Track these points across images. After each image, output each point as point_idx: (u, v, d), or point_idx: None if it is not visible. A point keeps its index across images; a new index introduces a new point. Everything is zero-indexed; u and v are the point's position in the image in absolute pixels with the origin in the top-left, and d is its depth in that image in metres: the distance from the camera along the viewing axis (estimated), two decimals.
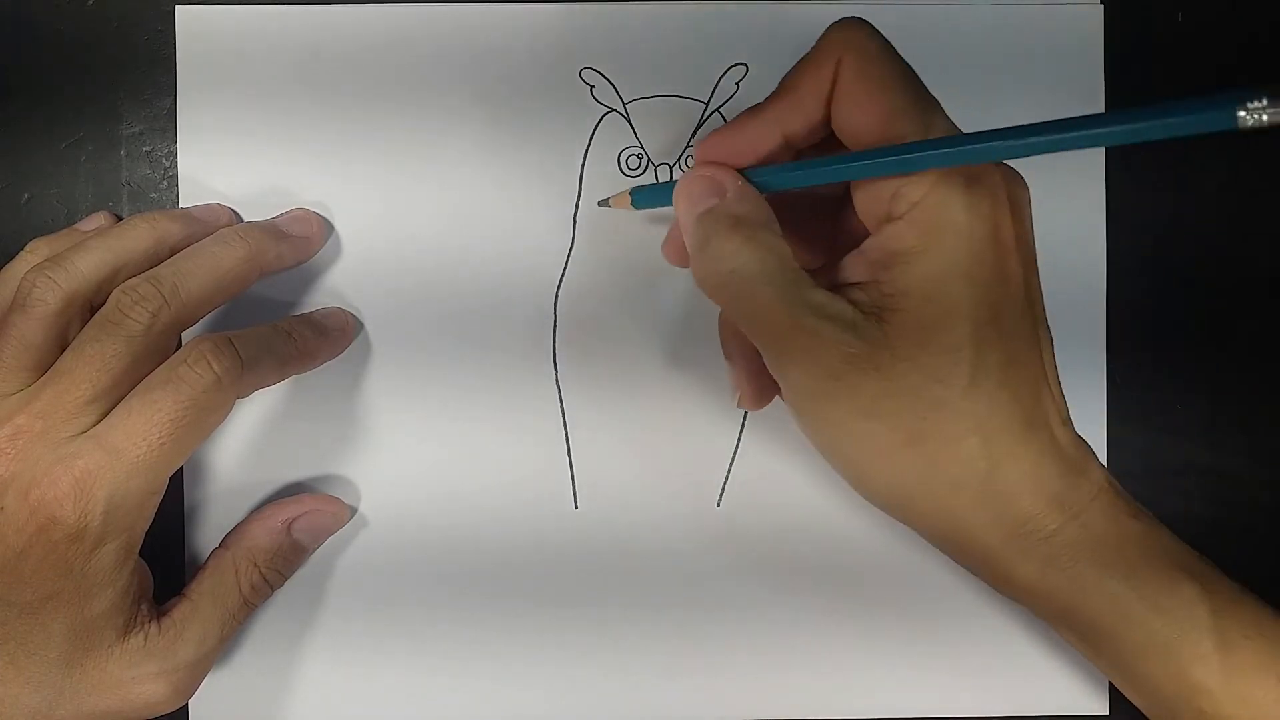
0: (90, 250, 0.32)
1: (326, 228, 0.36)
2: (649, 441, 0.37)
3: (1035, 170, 0.37)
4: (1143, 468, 0.38)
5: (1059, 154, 0.37)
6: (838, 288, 0.29)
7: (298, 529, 0.35)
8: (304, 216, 0.36)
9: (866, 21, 0.29)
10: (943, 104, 0.28)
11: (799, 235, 0.31)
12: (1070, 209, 0.37)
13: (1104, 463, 0.37)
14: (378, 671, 0.37)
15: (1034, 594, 0.30)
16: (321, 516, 0.36)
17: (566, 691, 0.37)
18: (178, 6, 0.36)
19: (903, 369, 0.27)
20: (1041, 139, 0.25)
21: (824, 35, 0.29)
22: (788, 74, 0.29)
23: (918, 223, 0.28)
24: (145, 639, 0.31)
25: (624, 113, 0.37)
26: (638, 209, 0.35)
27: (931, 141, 0.27)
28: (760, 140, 0.30)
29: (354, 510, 0.37)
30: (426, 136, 0.37)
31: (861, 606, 0.37)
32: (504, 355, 0.37)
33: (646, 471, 0.37)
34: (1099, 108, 0.37)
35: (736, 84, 0.37)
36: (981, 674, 0.37)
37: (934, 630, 0.37)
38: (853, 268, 0.29)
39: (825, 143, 0.30)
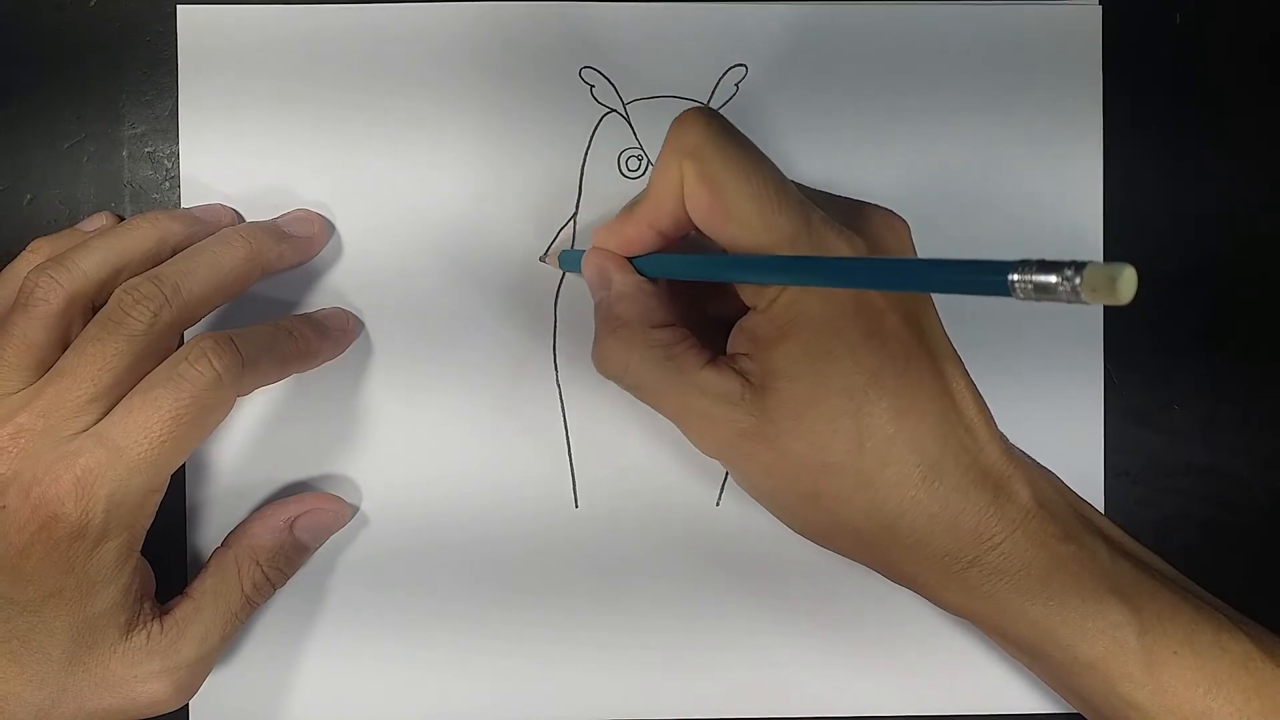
0: (92, 250, 0.32)
1: (328, 228, 0.36)
2: (649, 441, 0.37)
3: (1034, 172, 0.37)
4: (1141, 468, 0.38)
5: (1058, 152, 0.37)
6: (732, 355, 0.30)
7: (300, 528, 0.35)
8: (305, 217, 0.36)
9: (707, 117, 0.29)
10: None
11: (720, 293, 0.33)
12: (1067, 210, 0.37)
13: (1102, 461, 0.37)
14: (378, 671, 0.37)
15: (962, 614, 0.31)
16: (323, 515, 0.36)
17: (566, 690, 0.37)
18: (179, 6, 0.36)
19: (787, 440, 0.29)
20: (851, 273, 0.27)
21: (667, 136, 0.30)
22: (653, 172, 0.30)
23: (775, 318, 0.29)
24: (148, 637, 0.32)
25: (624, 113, 0.37)
26: (564, 270, 0.36)
27: (762, 260, 0.28)
28: (639, 236, 0.31)
29: (355, 509, 0.37)
30: (427, 137, 0.37)
31: (862, 606, 0.37)
32: (504, 356, 0.37)
33: (646, 471, 0.37)
34: (1097, 108, 0.37)
35: (736, 85, 0.37)
36: (983, 672, 0.37)
37: (933, 629, 0.37)
38: (738, 340, 0.31)
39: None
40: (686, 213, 0.30)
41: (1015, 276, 0.20)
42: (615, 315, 0.31)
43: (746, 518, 0.37)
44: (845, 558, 0.31)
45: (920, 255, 0.32)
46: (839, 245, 0.28)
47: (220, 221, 0.35)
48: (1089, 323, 0.38)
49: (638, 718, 0.37)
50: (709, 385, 0.30)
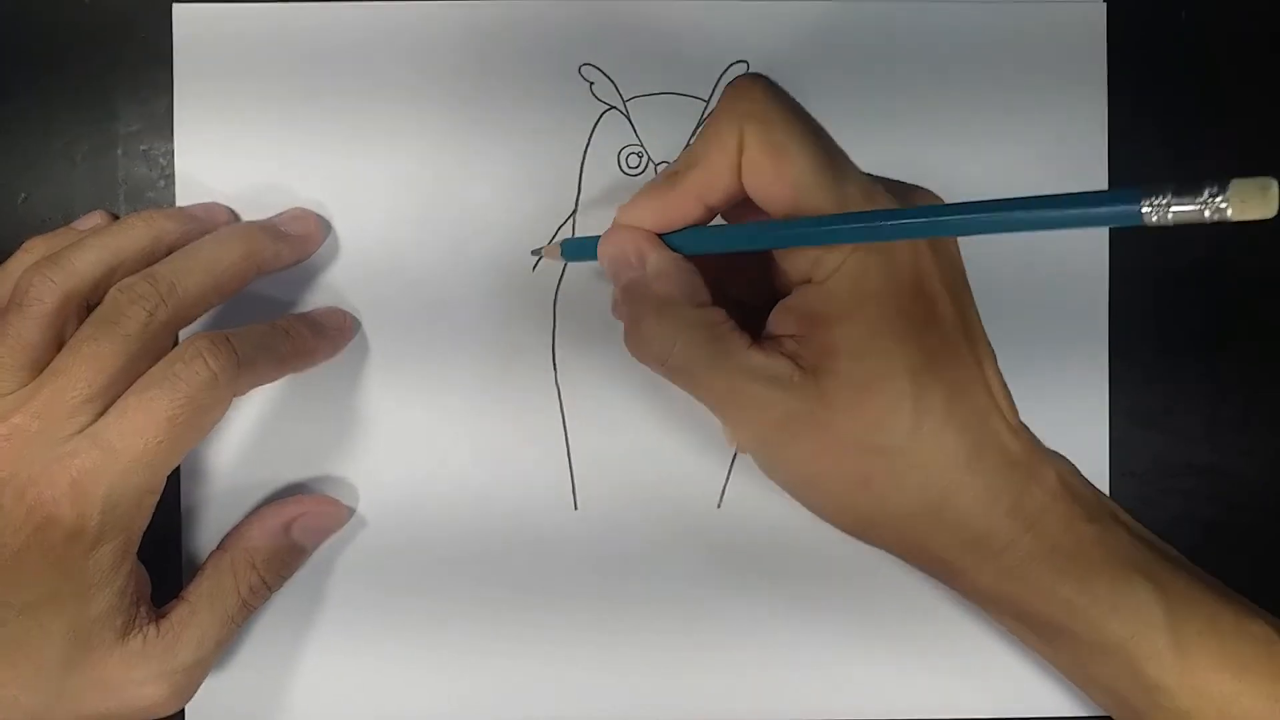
0: (87, 249, 0.32)
1: (325, 226, 0.36)
2: (649, 442, 0.37)
3: (1038, 170, 0.37)
4: (1144, 468, 0.38)
5: (1063, 150, 0.37)
6: (774, 337, 0.29)
7: (296, 530, 0.35)
8: (302, 215, 0.36)
9: (765, 82, 0.28)
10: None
11: (741, 275, 0.32)
12: None
13: (1107, 461, 0.37)
14: (376, 673, 0.36)
15: (991, 599, 0.31)
16: (320, 518, 0.35)
17: (566, 692, 0.37)
18: (174, 4, 0.36)
19: (842, 422, 0.28)
20: (953, 219, 0.24)
21: (722, 101, 0.28)
22: (697, 140, 0.29)
23: (838, 291, 0.28)
24: (144, 641, 0.31)
25: (624, 110, 0.37)
26: (568, 260, 0.35)
27: (840, 217, 0.26)
28: (680, 209, 0.29)
29: (352, 511, 0.36)
30: (425, 135, 0.36)
31: (862, 608, 0.37)
32: (504, 356, 0.37)
33: (646, 472, 0.37)
34: (1101, 105, 0.37)
35: None
36: (983, 674, 0.37)
37: (935, 630, 0.37)
38: (783, 320, 0.29)
39: (748, 201, 0.29)
40: (739, 183, 0.28)
41: (1148, 207, 0.20)
42: (655, 294, 0.29)
43: (748, 518, 0.37)
44: (870, 547, 0.31)
45: None
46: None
47: (216, 220, 0.35)
48: (1093, 322, 0.37)
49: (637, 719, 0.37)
50: (758, 367, 0.28)
